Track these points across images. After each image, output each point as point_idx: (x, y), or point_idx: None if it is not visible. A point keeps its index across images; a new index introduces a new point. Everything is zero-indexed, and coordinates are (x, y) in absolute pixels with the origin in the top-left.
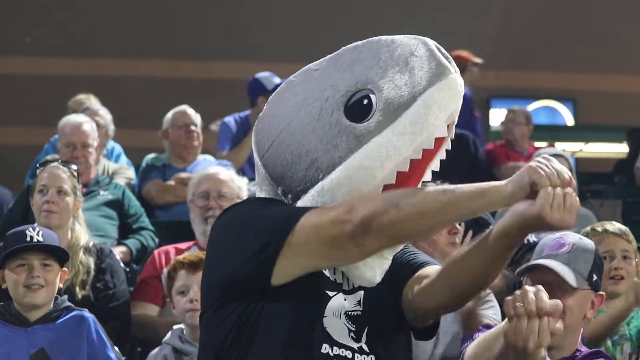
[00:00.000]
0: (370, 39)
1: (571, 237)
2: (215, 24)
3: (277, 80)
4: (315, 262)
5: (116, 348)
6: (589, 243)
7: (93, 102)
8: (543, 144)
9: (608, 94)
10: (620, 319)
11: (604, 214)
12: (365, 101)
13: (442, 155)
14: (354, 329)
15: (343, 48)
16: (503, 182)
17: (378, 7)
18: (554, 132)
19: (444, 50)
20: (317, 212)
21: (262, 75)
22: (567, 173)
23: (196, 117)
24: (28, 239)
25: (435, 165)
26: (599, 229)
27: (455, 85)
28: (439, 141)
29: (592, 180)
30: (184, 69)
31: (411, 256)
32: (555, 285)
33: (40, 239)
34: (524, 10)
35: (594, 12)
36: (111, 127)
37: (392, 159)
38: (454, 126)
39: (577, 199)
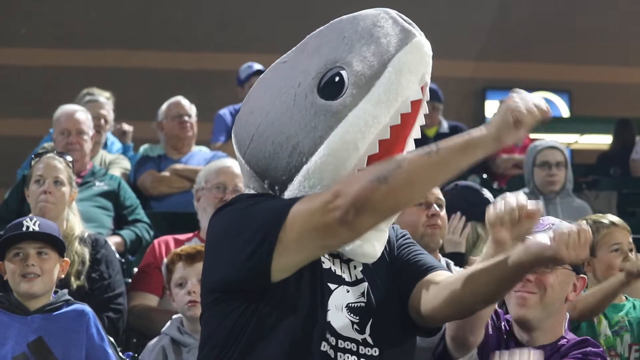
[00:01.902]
0: (332, 21)
1: (550, 219)
2: (210, 16)
3: (255, 67)
4: (310, 253)
5: (112, 339)
6: (568, 225)
7: (105, 95)
8: (538, 135)
9: (603, 85)
10: (614, 294)
11: (599, 206)
12: (337, 78)
13: (421, 120)
14: (357, 321)
15: (308, 36)
16: (484, 129)
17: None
18: (549, 124)
19: (405, 17)
20: (304, 202)
21: (243, 66)
22: (543, 104)
23: (190, 108)
24: (24, 228)
25: (416, 133)
26: (605, 221)
27: (421, 47)
28: (415, 104)
29: (587, 171)
30: (179, 61)
31: (418, 256)
32: None
33: (36, 228)
34: (520, 2)
35: (590, 3)
36: (111, 117)
37: (372, 128)
38: (427, 88)
39: (590, 231)
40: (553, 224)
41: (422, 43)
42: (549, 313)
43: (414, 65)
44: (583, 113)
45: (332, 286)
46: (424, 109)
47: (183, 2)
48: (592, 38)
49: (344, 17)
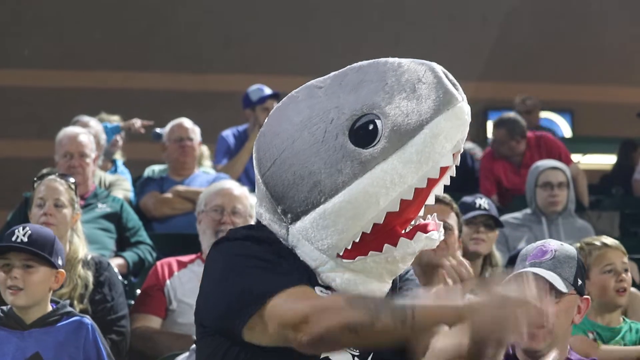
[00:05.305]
0: (376, 60)
1: (552, 244)
2: (213, 37)
3: (266, 91)
4: (279, 344)
5: (108, 348)
6: (571, 249)
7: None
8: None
9: (606, 105)
10: None
11: (601, 226)
12: (371, 126)
13: (446, 181)
14: (357, 354)
15: (348, 67)
16: (466, 310)
17: (377, 19)
18: None
19: (451, 77)
20: (283, 304)
21: (252, 88)
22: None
23: (192, 130)
24: (14, 238)
25: (439, 190)
26: (597, 243)
27: (462, 115)
28: (443, 170)
29: (589, 191)
30: (183, 82)
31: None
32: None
33: (25, 239)
34: (521, 22)
35: (593, 23)
36: (103, 137)
37: (397, 187)
38: (459, 155)
39: (535, 309)
40: (556, 250)
41: (463, 110)
42: (557, 340)
43: (451, 132)
44: (585, 133)
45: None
46: (452, 172)
47: (187, 24)
48: (594, 58)
49: (389, 60)
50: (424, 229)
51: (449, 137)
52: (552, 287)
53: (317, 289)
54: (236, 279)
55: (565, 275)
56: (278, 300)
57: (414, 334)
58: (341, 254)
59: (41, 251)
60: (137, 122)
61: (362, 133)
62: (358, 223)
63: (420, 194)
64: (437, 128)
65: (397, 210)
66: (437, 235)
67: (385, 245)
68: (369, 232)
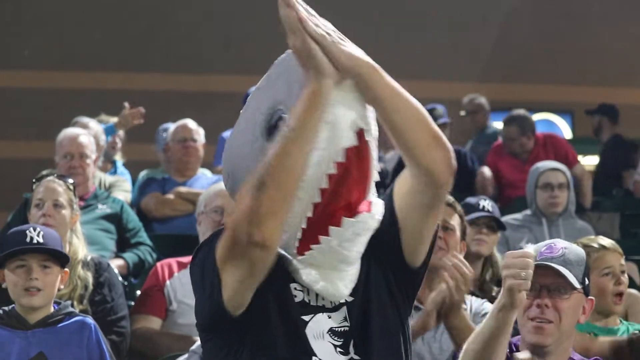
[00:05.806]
0: (289, 52)
1: (561, 243)
2: (214, 37)
3: None
4: (249, 279)
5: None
6: (579, 249)
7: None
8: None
9: None
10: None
11: (602, 227)
12: (279, 123)
13: (374, 165)
14: (339, 344)
15: (274, 62)
16: (308, 77)
17: (377, 20)
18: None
19: None
20: (220, 242)
21: (253, 89)
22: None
23: (196, 132)
24: (28, 239)
25: (375, 177)
26: (595, 245)
27: (352, 93)
28: (350, 150)
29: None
30: (183, 82)
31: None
32: (553, 288)
33: (41, 240)
34: (522, 23)
35: (593, 23)
36: (102, 137)
37: (311, 178)
38: (369, 132)
39: None
40: (565, 248)
41: (350, 88)
42: (563, 338)
43: (345, 113)
44: (585, 134)
45: (305, 318)
46: (370, 155)
47: (187, 24)
48: (594, 59)
49: None
50: (352, 212)
51: (344, 118)
52: (565, 282)
53: (293, 285)
54: (205, 267)
55: (575, 272)
56: (218, 248)
57: (304, 136)
58: (295, 251)
59: (56, 252)
60: (127, 108)
61: (274, 131)
62: (293, 219)
63: (341, 181)
64: (330, 115)
65: (320, 200)
66: (366, 216)
67: (320, 237)
68: (306, 226)
